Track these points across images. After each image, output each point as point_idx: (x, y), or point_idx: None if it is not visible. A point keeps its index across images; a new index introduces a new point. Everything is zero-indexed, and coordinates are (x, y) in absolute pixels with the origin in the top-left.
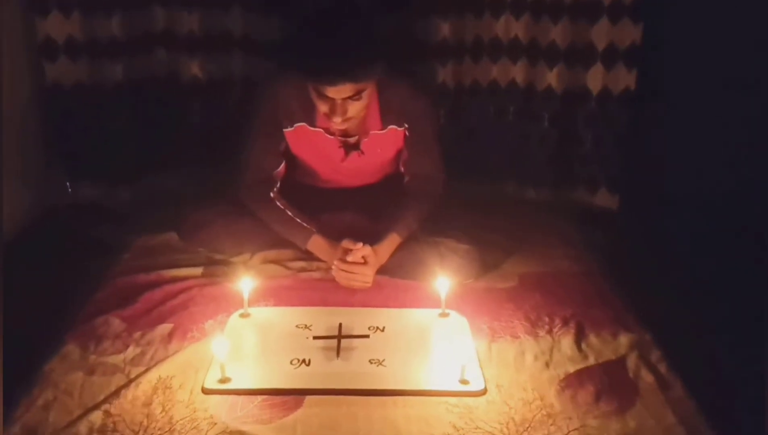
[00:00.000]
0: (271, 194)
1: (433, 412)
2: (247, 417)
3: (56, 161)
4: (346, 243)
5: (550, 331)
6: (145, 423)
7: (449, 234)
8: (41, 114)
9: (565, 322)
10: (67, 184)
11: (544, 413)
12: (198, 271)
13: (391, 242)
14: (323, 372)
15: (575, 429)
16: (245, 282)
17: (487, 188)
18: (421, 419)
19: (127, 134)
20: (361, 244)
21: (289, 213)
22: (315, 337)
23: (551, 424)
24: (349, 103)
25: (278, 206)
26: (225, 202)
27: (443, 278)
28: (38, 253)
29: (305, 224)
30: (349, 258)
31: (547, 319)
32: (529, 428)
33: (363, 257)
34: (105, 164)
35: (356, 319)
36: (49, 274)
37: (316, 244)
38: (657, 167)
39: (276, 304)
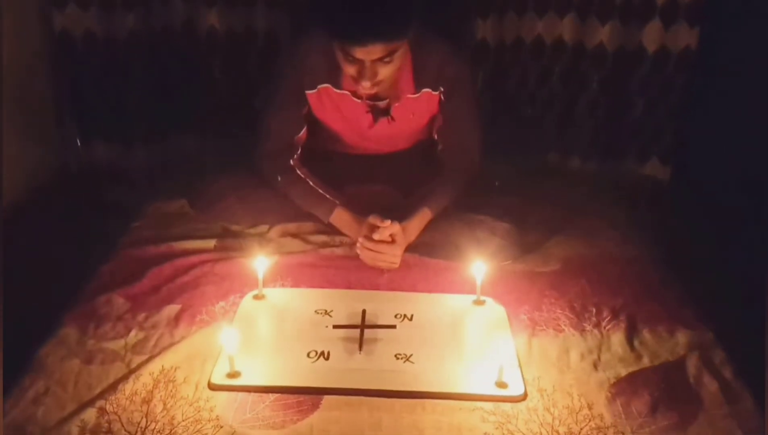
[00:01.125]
0: (291, 162)
1: (466, 420)
2: (257, 419)
3: (68, 119)
4: (372, 219)
5: (597, 325)
6: (143, 423)
7: (486, 211)
8: (52, 68)
9: (615, 315)
10: (77, 140)
11: (593, 426)
12: (211, 243)
13: (421, 218)
14: (344, 368)
15: None
16: (260, 261)
17: (528, 159)
18: (453, 428)
19: (141, 91)
20: (389, 222)
21: (311, 183)
22: (335, 326)
23: None
24: (380, 66)
25: (299, 175)
26: (244, 171)
27: (479, 262)
28: (45, 218)
29: (328, 196)
30: (376, 236)
31: (594, 311)
32: None
33: (391, 235)
34: (119, 123)
35: (382, 304)
36: (55, 242)
37: (340, 217)
38: (715, 137)
39: (294, 284)
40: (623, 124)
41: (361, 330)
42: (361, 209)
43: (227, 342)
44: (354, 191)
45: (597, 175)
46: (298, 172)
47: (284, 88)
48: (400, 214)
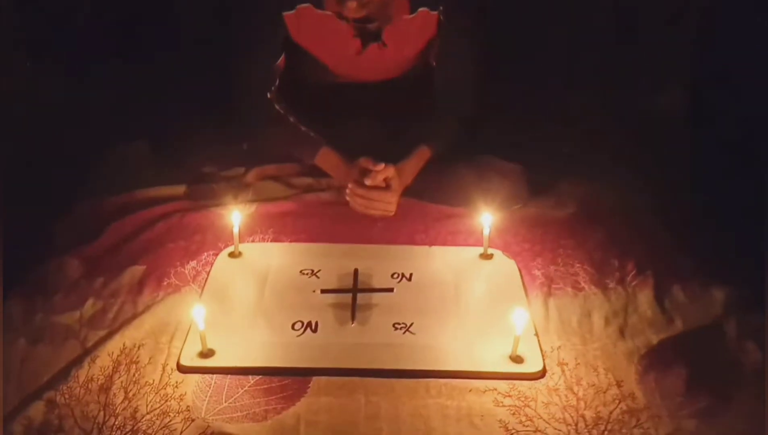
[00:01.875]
0: (269, 95)
1: (477, 404)
2: (235, 409)
3: (14, 44)
4: (364, 161)
5: (621, 281)
6: (100, 418)
7: (491, 149)
8: None
9: (641, 269)
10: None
11: (624, 408)
12: (180, 189)
13: (419, 157)
14: (335, 342)
15: None
16: (235, 215)
17: (535, 91)
18: (462, 415)
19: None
20: (382, 165)
21: (292, 120)
22: (324, 291)
23: (634, 426)
24: None
25: (278, 111)
26: (217, 109)
27: (486, 213)
28: None
29: (312, 134)
30: (368, 181)
31: (616, 263)
32: (606, 432)
33: (385, 180)
34: (73, 49)
35: (376, 261)
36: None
37: (327, 158)
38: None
39: (275, 238)
40: (634, 48)
41: (354, 295)
42: (350, 149)
43: (197, 317)
44: (343, 130)
45: (610, 108)
46: (277, 107)
47: (259, 12)
48: (393, 153)
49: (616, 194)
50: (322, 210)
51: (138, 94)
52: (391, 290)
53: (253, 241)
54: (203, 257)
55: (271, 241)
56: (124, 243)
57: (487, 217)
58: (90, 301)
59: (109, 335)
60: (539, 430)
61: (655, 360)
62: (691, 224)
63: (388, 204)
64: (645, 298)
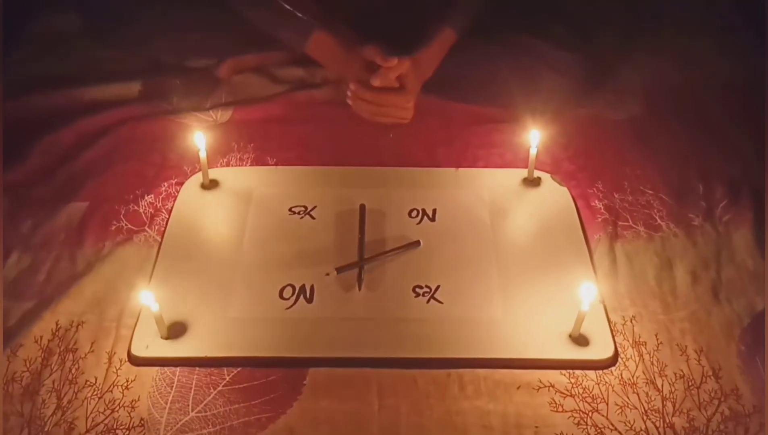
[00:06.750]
0: None
1: (528, 410)
2: (206, 422)
3: None
4: (370, 53)
5: (710, 214)
6: None
7: (537, 31)
8: None
9: (735, 194)
10: None
11: (725, 412)
12: (134, 88)
13: (441, 43)
14: (336, 317)
15: None
16: (198, 137)
17: None
18: (510, 428)
19: None
20: (395, 60)
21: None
22: (339, 270)
23: None
24: None
25: None
26: None
27: (534, 129)
28: None
29: (299, 14)
30: (376, 81)
31: (701, 188)
32: None
33: (397, 78)
34: None
35: (388, 191)
36: None
37: (321, 45)
38: None
39: (257, 157)
40: None
41: (360, 250)
42: (351, 30)
43: (148, 301)
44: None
45: None
46: None
47: None
48: (408, 36)
49: (696, 78)
50: (317, 114)
51: None
52: (417, 244)
53: (228, 162)
54: (163, 188)
55: (251, 161)
56: (60, 166)
57: (535, 135)
58: (14, 256)
59: (38, 309)
60: None
61: (761, 335)
62: None
63: (402, 109)
64: (742, 239)
